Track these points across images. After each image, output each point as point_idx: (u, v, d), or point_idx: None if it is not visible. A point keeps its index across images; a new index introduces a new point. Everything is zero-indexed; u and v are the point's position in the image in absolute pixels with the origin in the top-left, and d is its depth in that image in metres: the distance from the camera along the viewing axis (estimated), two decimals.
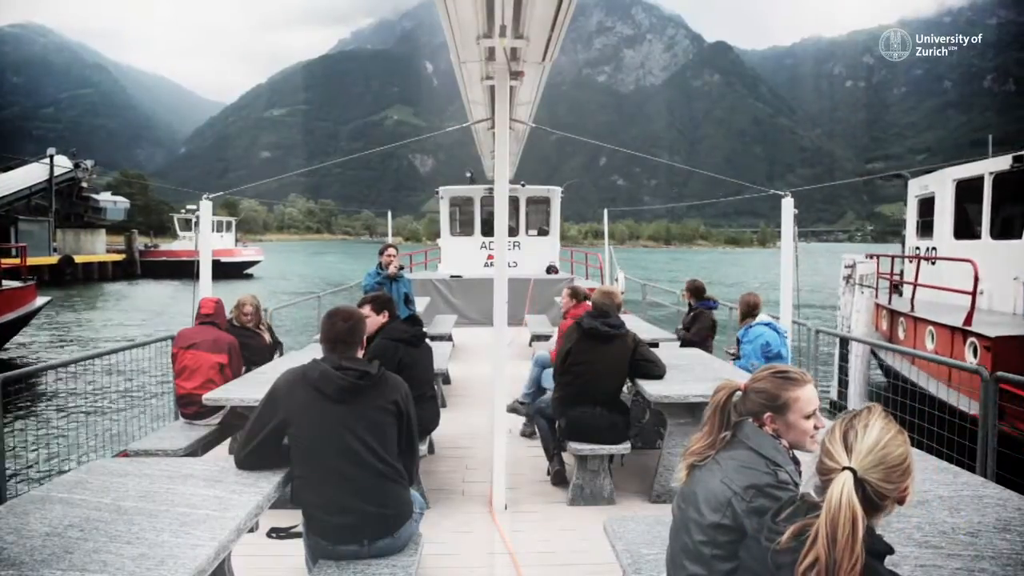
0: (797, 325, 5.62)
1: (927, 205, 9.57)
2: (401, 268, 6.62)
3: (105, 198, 45.46)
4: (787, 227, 5.21)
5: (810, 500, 1.29)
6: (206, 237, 5.56)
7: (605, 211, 14.30)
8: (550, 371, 4.70)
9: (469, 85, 4.67)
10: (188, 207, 41.57)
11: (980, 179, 8.03)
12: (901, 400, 4.31)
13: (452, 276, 11.40)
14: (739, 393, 1.69)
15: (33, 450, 4.17)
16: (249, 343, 4.73)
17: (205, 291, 5.12)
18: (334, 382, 2.25)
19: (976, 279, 6.28)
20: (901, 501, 1.26)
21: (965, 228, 8.69)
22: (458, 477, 4.27)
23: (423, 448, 3.42)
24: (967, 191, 8.51)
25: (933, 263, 8.74)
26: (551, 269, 12.26)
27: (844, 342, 7.27)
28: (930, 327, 6.87)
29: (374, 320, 3.61)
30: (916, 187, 10.00)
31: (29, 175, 38.07)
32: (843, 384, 7.28)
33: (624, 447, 3.83)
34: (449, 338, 7.71)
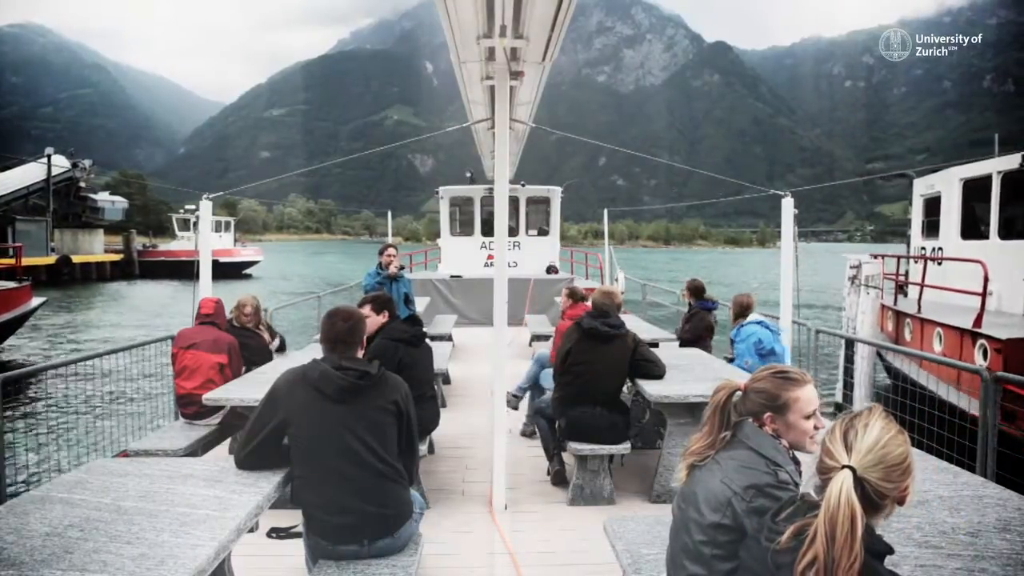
0: (797, 325, 5.62)
1: (933, 205, 9.52)
2: (401, 268, 6.61)
3: (103, 198, 45.16)
4: (787, 227, 5.22)
5: (810, 500, 1.29)
6: (206, 237, 5.56)
7: (605, 211, 14.31)
8: (550, 371, 4.70)
9: (469, 85, 4.67)
10: (187, 207, 40.56)
11: (988, 178, 7.97)
12: (905, 401, 4.31)
13: (452, 276, 11.40)
14: (739, 393, 1.68)
15: (33, 450, 4.17)
16: (249, 343, 4.72)
17: (205, 291, 5.12)
18: (334, 382, 2.25)
19: (986, 280, 6.23)
20: (901, 501, 1.25)
21: (972, 228, 8.63)
22: (458, 477, 4.27)
23: (423, 448, 3.42)
24: (974, 191, 8.45)
25: (939, 263, 8.71)
26: (551, 269, 12.26)
27: (849, 343, 7.26)
28: (938, 329, 6.83)
29: (374, 320, 3.60)
30: (922, 187, 9.95)
31: (27, 175, 37.93)
32: (848, 386, 7.27)
33: (624, 447, 3.83)
34: (449, 338, 7.71)
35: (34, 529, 1.72)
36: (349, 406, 2.26)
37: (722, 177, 7.76)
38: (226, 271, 35.61)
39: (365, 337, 2.50)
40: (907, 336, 7.77)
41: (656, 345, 5.63)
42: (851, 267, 8.72)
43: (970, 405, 4.39)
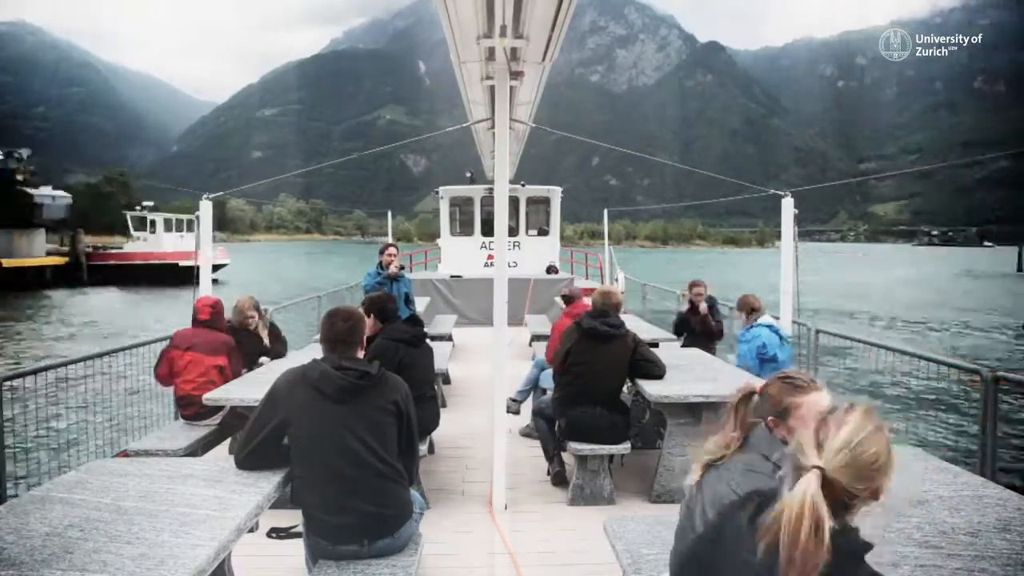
0: (797, 325, 5.63)
1: None
2: (402, 268, 6.60)
3: (42, 193, 38.04)
4: (787, 227, 5.22)
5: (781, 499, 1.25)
6: (206, 238, 5.55)
7: (605, 211, 14.31)
8: (550, 371, 4.70)
9: (469, 85, 4.67)
10: (145, 203, 37.64)
11: None
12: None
13: (452, 276, 11.40)
14: (756, 397, 1.68)
15: (33, 450, 4.17)
16: (247, 345, 4.72)
17: (204, 293, 5.11)
18: (334, 382, 2.25)
19: None
20: (875, 497, 1.21)
21: None
22: (458, 477, 4.27)
23: (423, 448, 3.42)
24: None
25: None
26: (551, 269, 12.26)
27: None
28: None
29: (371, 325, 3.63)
30: None
31: None
32: None
33: (624, 447, 3.83)
34: (449, 338, 7.71)
35: (34, 529, 1.72)
36: (349, 406, 2.26)
37: (721, 177, 7.76)
38: (187, 276, 31.95)
39: (365, 337, 2.50)
40: None
41: (656, 345, 5.63)
42: None
43: None
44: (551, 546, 3.31)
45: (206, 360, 4.17)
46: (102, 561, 1.57)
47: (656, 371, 3.92)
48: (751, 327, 4.99)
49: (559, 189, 13.03)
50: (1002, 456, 3.59)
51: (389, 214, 20.33)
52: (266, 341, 4.96)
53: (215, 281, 36.44)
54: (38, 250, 35.95)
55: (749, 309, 5.01)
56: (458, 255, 12.44)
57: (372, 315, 3.72)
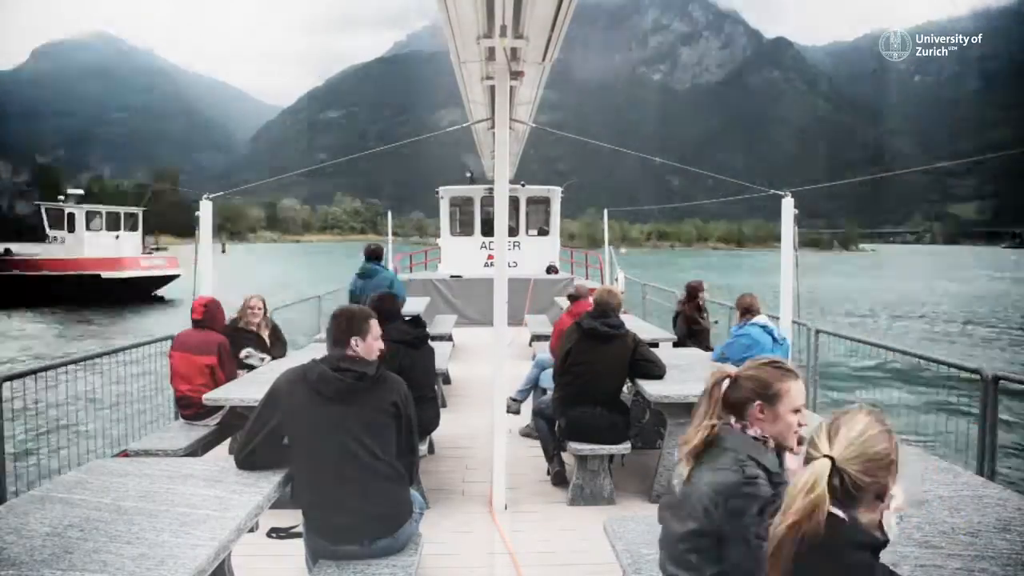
0: (797, 325, 5.62)
1: None
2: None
3: None
4: (787, 227, 5.21)
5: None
6: (206, 239, 5.54)
7: (605, 211, 14.29)
8: (550, 371, 4.70)
9: (469, 85, 4.67)
10: (71, 191, 26.93)
11: None
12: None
13: (452, 276, 11.40)
14: (728, 381, 1.70)
15: (33, 450, 4.17)
16: (251, 345, 4.72)
17: (202, 293, 5.10)
18: (332, 383, 2.25)
19: None
20: (881, 497, 1.28)
21: None
22: (458, 477, 4.27)
23: (423, 448, 3.42)
24: None
25: None
26: (551, 269, 12.26)
27: None
28: None
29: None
30: None
31: None
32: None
33: (624, 447, 3.83)
34: (449, 338, 7.70)
35: (34, 529, 1.72)
36: (347, 407, 2.26)
37: (721, 177, 7.73)
38: (124, 293, 24.36)
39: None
40: None
41: (656, 345, 5.63)
42: None
43: None
44: (551, 546, 3.31)
45: (195, 360, 4.17)
46: (102, 561, 1.57)
47: (656, 371, 3.92)
48: (742, 326, 4.99)
49: (559, 189, 13.03)
50: (1002, 456, 3.58)
51: (389, 214, 20.23)
52: (267, 343, 4.96)
53: (160, 299, 25.94)
54: None
55: (743, 310, 5.00)
56: (458, 255, 12.44)
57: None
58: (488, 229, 12.42)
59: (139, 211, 28.00)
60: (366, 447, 2.26)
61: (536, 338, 7.94)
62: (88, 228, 25.81)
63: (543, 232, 13.01)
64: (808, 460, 1.29)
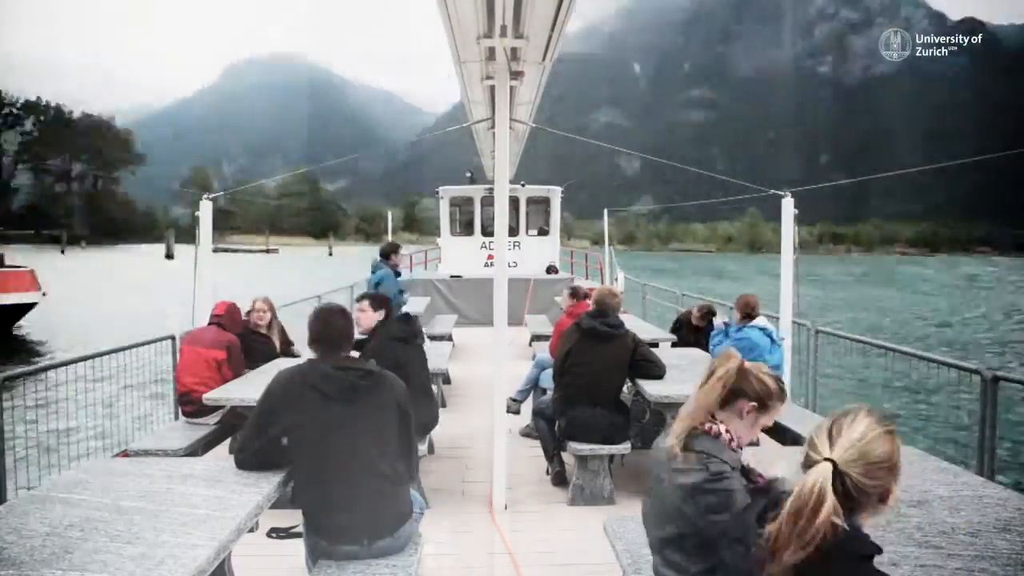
0: (797, 325, 5.62)
1: None
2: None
3: None
4: (787, 227, 5.22)
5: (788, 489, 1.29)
6: (206, 240, 5.54)
7: (605, 211, 14.29)
8: (550, 371, 4.71)
9: (469, 85, 4.67)
10: None
11: None
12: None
13: (452, 276, 11.39)
14: (736, 368, 1.71)
15: (33, 450, 4.17)
16: (259, 347, 4.74)
17: (201, 300, 5.10)
18: (336, 382, 2.25)
19: None
20: (883, 500, 1.25)
21: None
22: (458, 477, 4.27)
23: (423, 448, 3.42)
24: None
25: None
26: (551, 269, 12.27)
27: None
28: None
29: (370, 316, 3.65)
30: None
31: None
32: None
33: (624, 447, 3.83)
34: (449, 338, 7.71)
35: (34, 529, 1.72)
36: (351, 406, 2.26)
37: (722, 177, 7.73)
38: None
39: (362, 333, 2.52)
40: None
41: (656, 345, 5.63)
42: None
43: None
44: (551, 546, 3.31)
45: (203, 353, 4.20)
46: (102, 561, 1.57)
47: (656, 371, 3.92)
48: (741, 328, 5.01)
49: (559, 189, 13.03)
50: (1001, 456, 3.58)
51: (389, 214, 20.25)
52: (278, 345, 4.98)
53: (11, 336, 17.82)
54: None
55: (744, 312, 5.01)
56: (458, 255, 12.44)
57: (383, 308, 3.75)
58: (488, 229, 12.43)
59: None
60: (368, 446, 2.26)
61: (536, 338, 7.94)
62: None
63: (543, 232, 13.01)
64: (807, 462, 1.25)
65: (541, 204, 12.96)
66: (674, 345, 6.35)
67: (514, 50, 3.68)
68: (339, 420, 2.24)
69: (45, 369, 3.94)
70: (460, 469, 4.41)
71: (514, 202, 12.15)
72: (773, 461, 1.78)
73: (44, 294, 18.11)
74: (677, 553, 1.63)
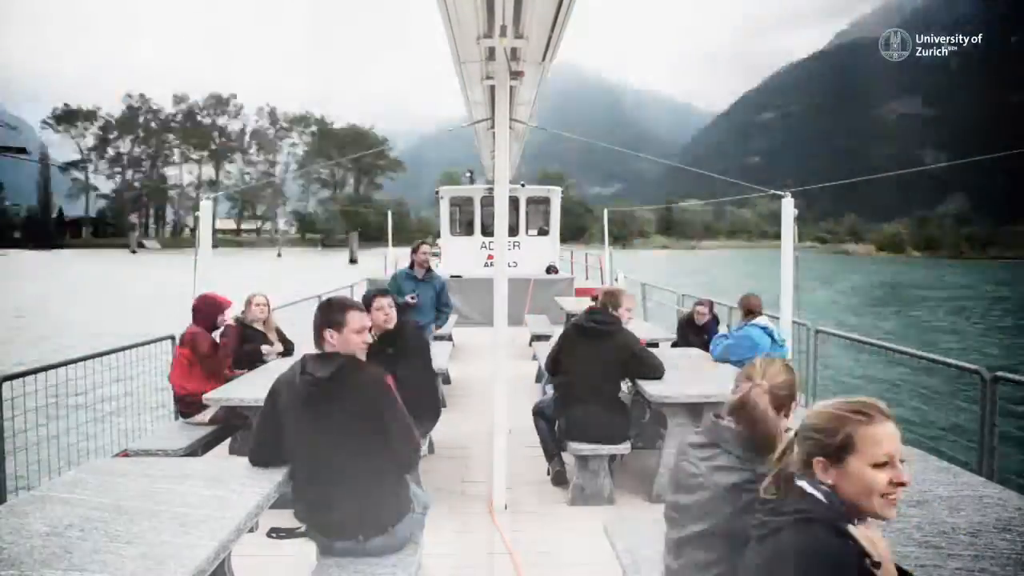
0: (797, 325, 5.62)
1: None
2: (428, 268, 6.17)
3: None
4: (787, 227, 5.23)
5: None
6: (206, 240, 5.55)
7: (605, 210, 14.30)
8: None
9: (469, 85, 4.67)
10: None
11: None
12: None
13: (452, 276, 11.39)
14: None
15: (33, 450, 4.17)
16: (253, 341, 4.73)
17: (201, 290, 5.11)
18: (298, 386, 2.27)
19: None
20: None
21: None
22: (458, 477, 4.27)
23: (423, 447, 3.42)
24: None
25: None
26: (551, 269, 12.26)
27: None
28: None
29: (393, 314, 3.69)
30: None
31: None
32: None
33: (624, 447, 3.83)
34: (449, 338, 7.70)
35: (34, 529, 1.72)
36: (318, 408, 2.25)
37: (722, 178, 7.73)
38: None
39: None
40: None
41: (656, 345, 5.64)
42: None
43: None
44: (551, 546, 3.31)
45: (178, 351, 4.28)
46: (102, 561, 1.57)
47: (652, 373, 3.89)
48: (742, 327, 5.02)
49: (559, 189, 13.06)
50: (1001, 456, 3.58)
51: (389, 214, 20.05)
52: (273, 341, 4.97)
53: None
54: None
55: (746, 310, 5.02)
56: (458, 255, 12.44)
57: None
58: (488, 229, 12.43)
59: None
60: (342, 446, 2.25)
61: (536, 338, 7.94)
62: None
63: (543, 232, 13.01)
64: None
65: (541, 204, 12.97)
66: (674, 345, 6.35)
67: (514, 50, 3.68)
68: (310, 422, 2.25)
69: (45, 369, 3.93)
70: (460, 469, 4.41)
71: (514, 202, 12.15)
72: None
73: None
74: (700, 551, 1.62)
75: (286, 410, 2.29)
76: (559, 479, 4.10)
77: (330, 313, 2.31)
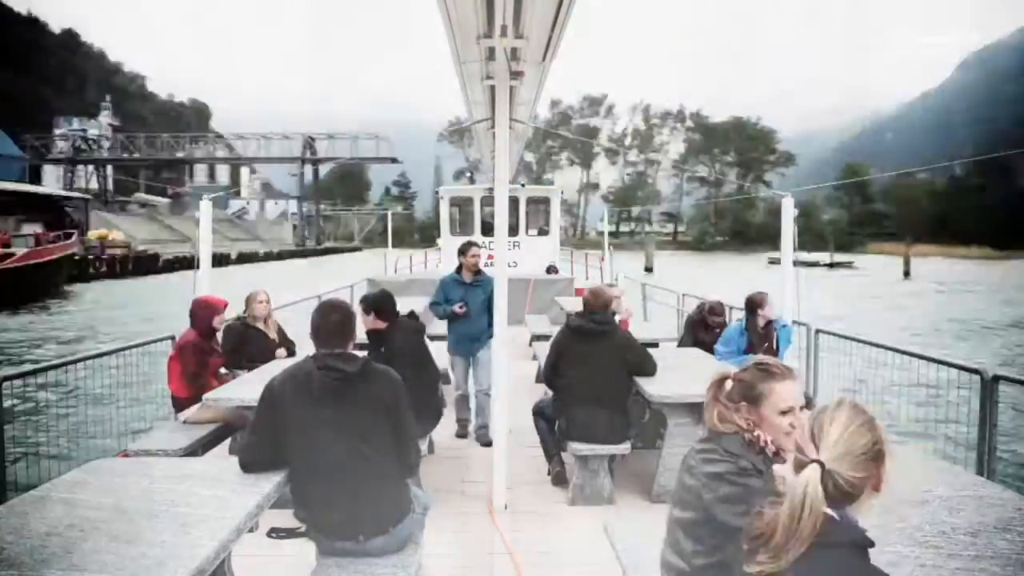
0: (797, 325, 5.63)
1: None
2: (478, 271, 5.36)
3: None
4: (787, 227, 5.24)
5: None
6: (206, 239, 5.55)
7: (605, 210, 14.30)
8: None
9: (469, 85, 4.67)
10: None
11: None
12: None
13: None
14: (729, 382, 1.75)
15: (33, 450, 4.18)
16: (255, 340, 4.73)
17: (202, 292, 5.11)
18: (318, 382, 2.25)
19: None
20: (876, 488, 1.25)
21: None
22: (458, 477, 4.27)
23: (423, 448, 3.42)
24: None
25: None
26: (551, 269, 12.27)
27: None
28: None
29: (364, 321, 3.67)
30: None
31: None
32: None
33: (624, 447, 3.83)
34: None
35: (34, 529, 1.72)
36: (334, 407, 2.25)
37: (731, 180, 7.70)
38: None
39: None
40: None
41: (656, 345, 5.63)
42: None
43: None
44: (551, 546, 3.31)
45: (170, 357, 4.27)
46: (102, 561, 1.57)
47: (647, 370, 3.91)
48: (744, 323, 5.07)
49: (559, 189, 13.07)
50: (1002, 456, 3.58)
51: (389, 214, 20.01)
52: (275, 341, 4.98)
53: None
54: None
55: (750, 307, 5.06)
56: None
57: (373, 313, 3.74)
58: (488, 229, 12.43)
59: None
60: (356, 446, 2.25)
61: (536, 338, 7.93)
62: None
63: (543, 232, 13.02)
64: (797, 466, 1.25)
65: (541, 204, 12.98)
66: (681, 344, 6.32)
67: (514, 50, 3.68)
68: (323, 420, 2.24)
69: (45, 369, 3.93)
70: (460, 469, 4.41)
71: (514, 202, 12.16)
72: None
73: None
74: (689, 540, 1.65)
75: (292, 409, 2.27)
76: (559, 479, 4.10)
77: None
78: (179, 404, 4.25)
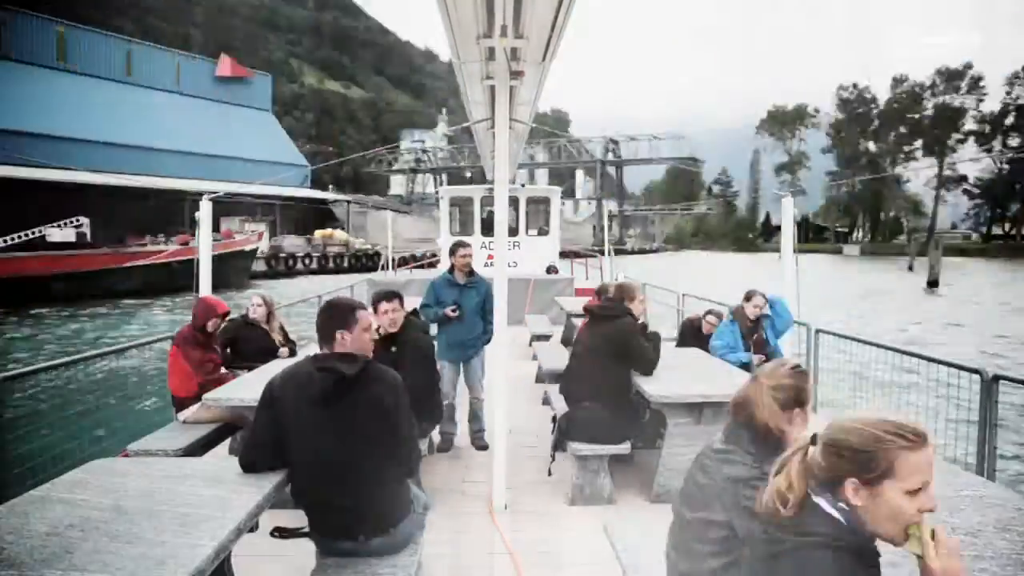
0: (797, 325, 5.63)
1: None
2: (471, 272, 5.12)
3: None
4: (787, 227, 5.25)
5: None
6: (206, 239, 5.55)
7: (606, 210, 14.30)
8: None
9: (469, 85, 4.67)
10: None
11: None
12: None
13: None
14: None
15: (33, 450, 4.17)
16: (255, 340, 4.74)
17: (203, 291, 5.12)
18: (316, 384, 2.25)
19: None
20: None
21: None
22: (458, 477, 4.27)
23: (423, 448, 3.42)
24: None
25: None
26: (551, 269, 12.26)
27: None
28: None
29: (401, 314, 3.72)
30: None
31: None
32: None
33: (624, 447, 3.83)
34: None
35: (34, 529, 1.72)
36: (332, 408, 2.24)
37: (723, 178, 7.72)
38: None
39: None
40: None
41: None
42: None
43: None
44: (551, 546, 3.31)
45: (171, 351, 4.30)
46: (102, 561, 1.57)
47: (641, 367, 3.87)
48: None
49: (559, 189, 13.08)
50: (1002, 456, 3.58)
51: (390, 216, 19.98)
52: (277, 339, 5.01)
53: None
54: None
55: (745, 300, 5.16)
56: None
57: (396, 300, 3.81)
58: (488, 229, 12.43)
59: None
60: (355, 447, 2.25)
61: (536, 338, 7.93)
62: None
63: (543, 232, 13.02)
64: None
65: (541, 204, 12.97)
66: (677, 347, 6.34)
67: (514, 50, 3.68)
68: (322, 421, 2.24)
69: (45, 369, 3.93)
70: (460, 469, 4.41)
71: (514, 202, 12.15)
72: None
73: None
74: (701, 541, 1.63)
75: (292, 409, 2.26)
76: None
77: (340, 314, 2.35)
78: (179, 404, 4.26)
